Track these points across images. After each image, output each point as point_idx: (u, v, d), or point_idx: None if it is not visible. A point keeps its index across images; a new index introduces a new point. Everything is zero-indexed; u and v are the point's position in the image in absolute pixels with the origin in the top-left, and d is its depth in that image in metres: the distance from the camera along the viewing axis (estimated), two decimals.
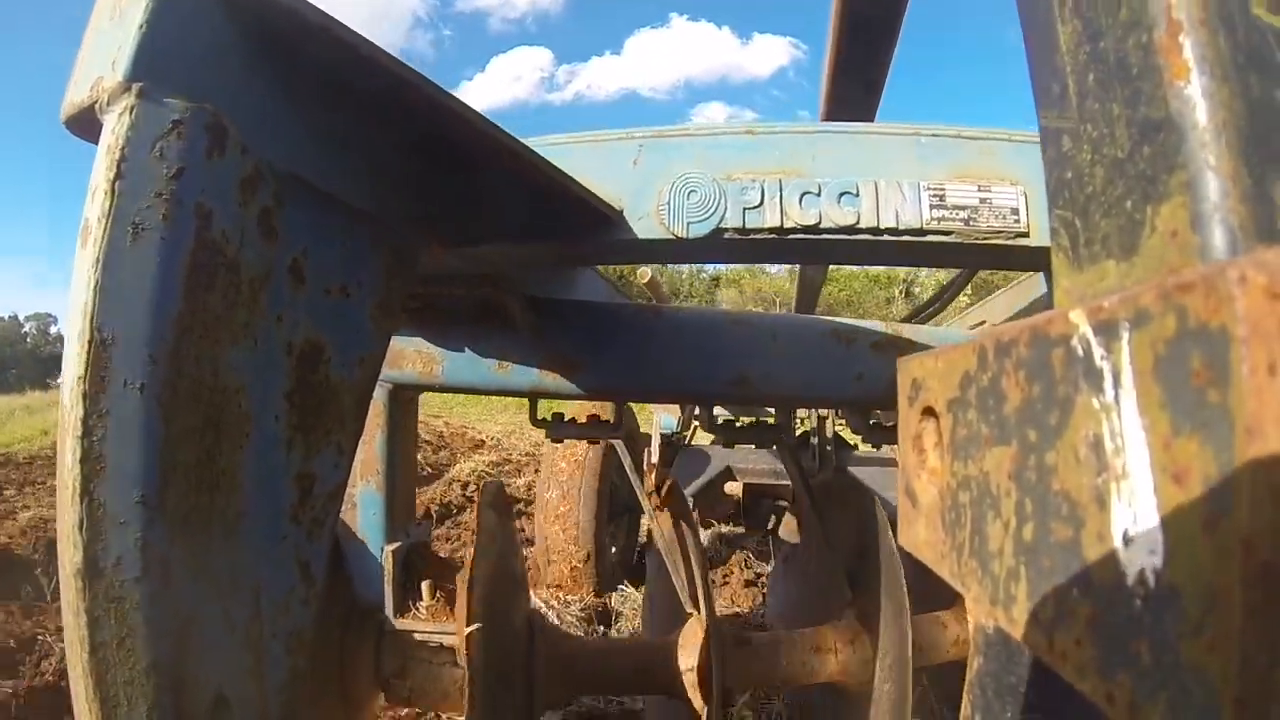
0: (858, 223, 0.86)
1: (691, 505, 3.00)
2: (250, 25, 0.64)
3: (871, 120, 1.33)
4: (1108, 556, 0.24)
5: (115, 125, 0.57)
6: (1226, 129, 0.30)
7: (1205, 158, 0.30)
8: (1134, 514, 0.22)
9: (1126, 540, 0.23)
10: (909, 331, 1.22)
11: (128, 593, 0.53)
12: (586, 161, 0.94)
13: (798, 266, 2.33)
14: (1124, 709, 0.23)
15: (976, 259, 0.93)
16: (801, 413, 2.58)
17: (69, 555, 0.53)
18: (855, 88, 1.28)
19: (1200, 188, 0.30)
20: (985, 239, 0.84)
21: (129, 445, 0.54)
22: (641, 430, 3.31)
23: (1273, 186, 0.30)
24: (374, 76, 0.70)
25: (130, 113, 0.57)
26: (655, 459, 3.24)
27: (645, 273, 2.02)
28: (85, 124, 0.60)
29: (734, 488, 3.19)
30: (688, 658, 1.08)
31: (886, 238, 0.86)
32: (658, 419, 3.27)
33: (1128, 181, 0.34)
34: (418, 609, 1.06)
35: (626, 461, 1.27)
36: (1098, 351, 0.24)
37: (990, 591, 0.33)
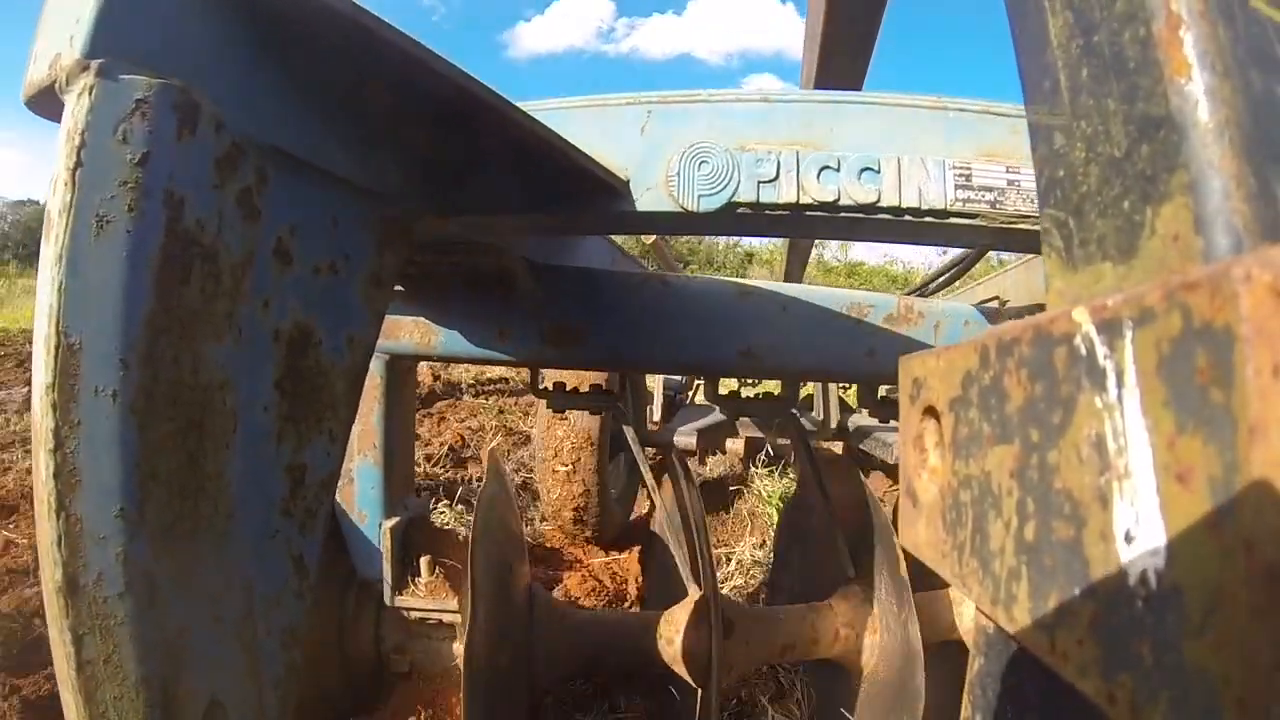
0: (879, 201, 0.81)
1: (695, 444, 3.02)
2: None
3: (859, 88, 1.25)
4: (1110, 556, 0.23)
5: (75, 107, 0.52)
6: (1229, 127, 0.29)
7: (1208, 157, 0.29)
8: (1136, 514, 0.22)
9: (1129, 540, 0.23)
10: (921, 305, 1.18)
11: (112, 609, 0.51)
12: (591, 128, 0.88)
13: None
14: (1125, 709, 0.23)
15: (1001, 242, 0.88)
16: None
17: (50, 572, 0.50)
18: (842, 55, 1.20)
19: (1203, 189, 0.29)
20: (1012, 223, 0.79)
21: (104, 457, 0.51)
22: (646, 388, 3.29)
23: (1277, 186, 0.29)
24: (358, 39, 0.64)
25: (89, 93, 0.51)
26: (658, 416, 3.24)
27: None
28: (48, 105, 0.55)
29: (735, 445, 3.20)
30: (685, 633, 1.09)
31: (908, 218, 0.82)
32: (660, 376, 3.25)
33: (1125, 181, 0.33)
34: (416, 585, 1.06)
35: (630, 434, 1.25)
36: (1101, 350, 0.24)
37: (991, 591, 0.32)
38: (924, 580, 1.12)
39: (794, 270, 2.26)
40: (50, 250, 0.51)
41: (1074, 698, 0.26)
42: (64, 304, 0.50)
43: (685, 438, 2.98)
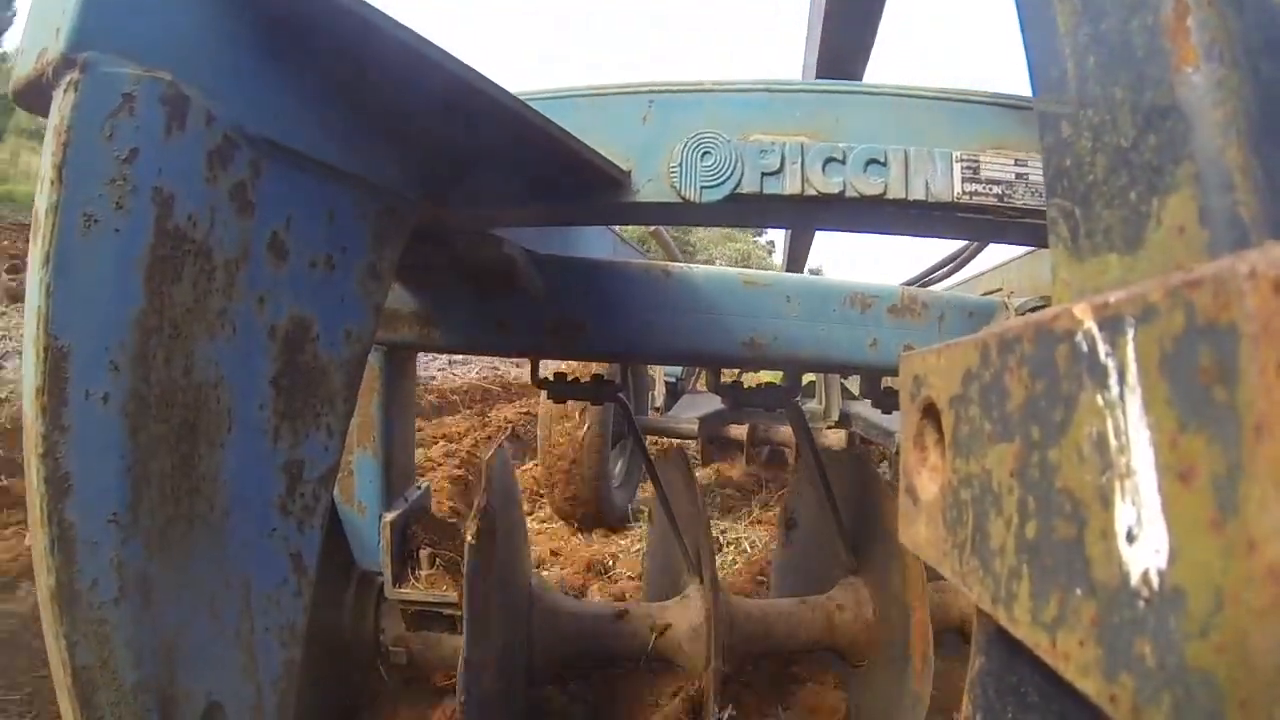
0: (885, 193, 0.80)
1: (697, 429, 3.02)
2: None
3: (860, 79, 1.23)
4: (1111, 556, 0.23)
5: (61, 103, 0.50)
6: (1237, 118, 0.28)
7: (1215, 149, 0.29)
8: (1138, 513, 0.22)
9: (1131, 539, 0.22)
10: (925, 296, 1.16)
11: (107, 614, 0.51)
12: (592, 117, 0.87)
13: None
14: (1127, 710, 0.22)
15: (1008, 235, 0.86)
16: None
17: (44, 579, 0.50)
18: (843, 49, 1.17)
19: (1210, 181, 0.29)
20: (1019, 218, 0.77)
21: (95, 462, 0.50)
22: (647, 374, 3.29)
23: None
24: (355, 28, 0.63)
25: (75, 89, 0.50)
26: (660, 403, 3.24)
27: None
28: (36, 100, 0.54)
29: (738, 431, 3.20)
30: (688, 625, 1.09)
31: (914, 212, 0.80)
32: None
33: (1132, 171, 0.33)
34: (416, 578, 1.06)
35: (633, 426, 1.24)
36: (1103, 348, 0.24)
37: (992, 590, 0.32)
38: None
39: (796, 260, 2.24)
40: (38, 250, 0.50)
41: (1076, 698, 0.26)
42: (52, 306, 0.49)
43: (687, 424, 2.97)
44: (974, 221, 0.80)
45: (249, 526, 0.66)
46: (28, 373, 0.50)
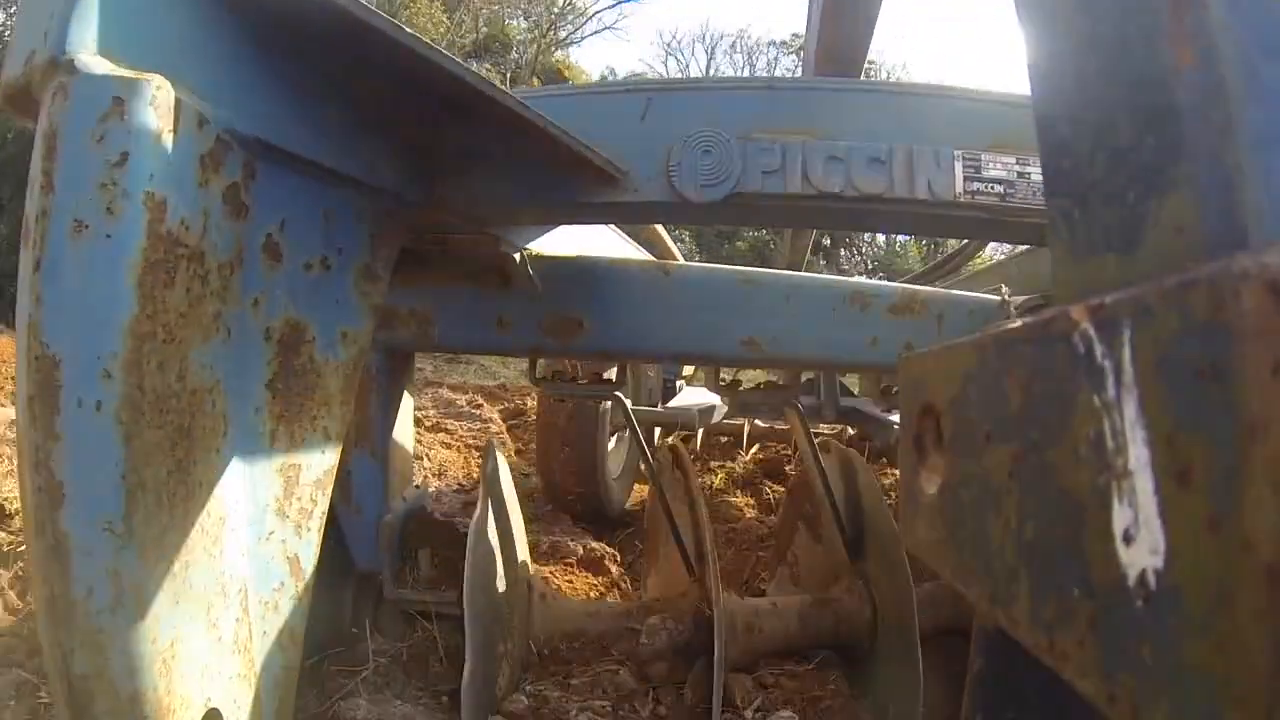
0: (886, 192, 0.79)
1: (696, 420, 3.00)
2: None
3: (859, 74, 1.22)
4: (1109, 556, 0.23)
5: (50, 107, 0.50)
6: (1237, 119, 0.28)
7: (1214, 149, 0.28)
8: (1136, 513, 0.22)
9: (1128, 540, 0.22)
10: (925, 294, 1.16)
11: (103, 624, 0.50)
12: (589, 116, 0.86)
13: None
14: (1126, 710, 0.22)
15: (1009, 234, 0.85)
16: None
17: (39, 589, 0.50)
18: (844, 38, 1.17)
19: (1207, 181, 0.28)
20: (1020, 217, 0.77)
21: (89, 470, 0.50)
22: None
23: None
24: (348, 28, 0.62)
25: (65, 92, 0.49)
26: (657, 399, 3.22)
27: None
28: (24, 106, 0.53)
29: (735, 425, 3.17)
30: (687, 622, 1.09)
31: (916, 210, 0.79)
32: None
33: (1130, 172, 0.32)
34: (416, 578, 1.06)
35: (631, 421, 1.24)
36: (1099, 349, 0.24)
37: (991, 590, 0.32)
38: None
39: (797, 256, 2.23)
40: (28, 258, 0.49)
41: (1074, 698, 0.26)
42: (43, 314, 0.49)
43: (685, 416, 2.95)
44: (975, 220, 0.79)
45: (246, 531, 0.65)
46: (21, 382, 0.50)
